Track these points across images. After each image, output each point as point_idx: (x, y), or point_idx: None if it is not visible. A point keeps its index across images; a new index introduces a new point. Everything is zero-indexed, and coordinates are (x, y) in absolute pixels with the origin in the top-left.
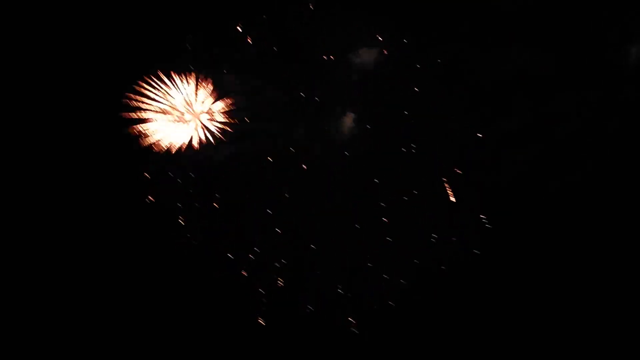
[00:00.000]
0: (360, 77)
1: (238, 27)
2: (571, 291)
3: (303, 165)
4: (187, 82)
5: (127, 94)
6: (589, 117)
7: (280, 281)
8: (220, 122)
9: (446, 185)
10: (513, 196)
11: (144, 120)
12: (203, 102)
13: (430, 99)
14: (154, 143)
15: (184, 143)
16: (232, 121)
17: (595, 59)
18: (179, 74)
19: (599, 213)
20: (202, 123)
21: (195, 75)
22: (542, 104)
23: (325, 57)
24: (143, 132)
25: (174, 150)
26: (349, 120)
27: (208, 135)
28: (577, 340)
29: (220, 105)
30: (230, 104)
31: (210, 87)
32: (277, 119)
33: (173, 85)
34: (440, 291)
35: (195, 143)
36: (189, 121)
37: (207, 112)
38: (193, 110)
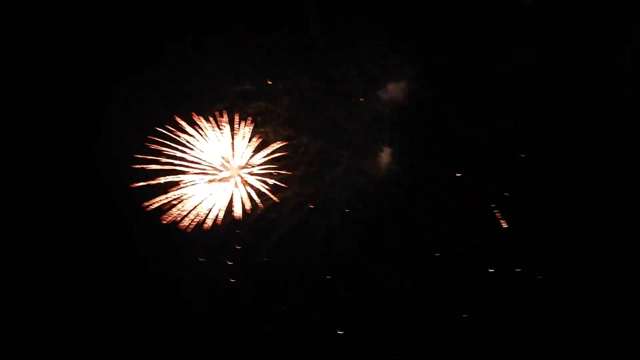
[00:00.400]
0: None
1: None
2: (572, 290)
3: (346, 209)
4: (220, 129)
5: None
6: (589, 117)
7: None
8: (263, 175)
9: (497, 213)
10: (513, 196)
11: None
12: (242, 152)
13: (438, 104)
14: (186, 217)
15: (219, 211)
16: (276, 172)
17: (595, 59)
18: (207, 119)
19: (598, 213)
20: (242, 178)
21: (229, 119)
22: (542, 104)
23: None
24: (170, 203)
25: (210, 222)
26: (384, 155)
27: (252, 193)
28: (576, 339)
29: (261, 156)
30: (274, 153)
31: (248, 133)
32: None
33: (202, 135)
34: (441, 290)
35: (237, 209)
36: (228, 179)
37: (247, 166)
38: (231, 165)
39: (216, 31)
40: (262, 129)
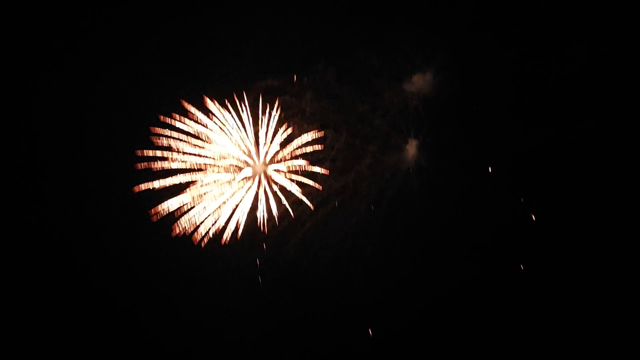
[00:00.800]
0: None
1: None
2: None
3: (371, 206)
4: (239, 117)
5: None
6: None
7: None
8: (290, 172)
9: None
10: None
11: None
12: (268, 147)
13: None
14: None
15: (242, 215)
16: (308, 168)
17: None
18: (223, 106)
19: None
20: (268, 178)
21: (252, 113)
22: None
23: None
24: (181, 210)
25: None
26: (410, 148)
27: (281, 195)
28: (579, 338)
29: (287, 151)
30: (301, 148)
31: (272, 127)
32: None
33: (220, 124)
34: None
35: (262, 211)
36: (251, 178)
37: (273, 161)
38: (255, 161)
39: (237, 23)
40: (286, 124)
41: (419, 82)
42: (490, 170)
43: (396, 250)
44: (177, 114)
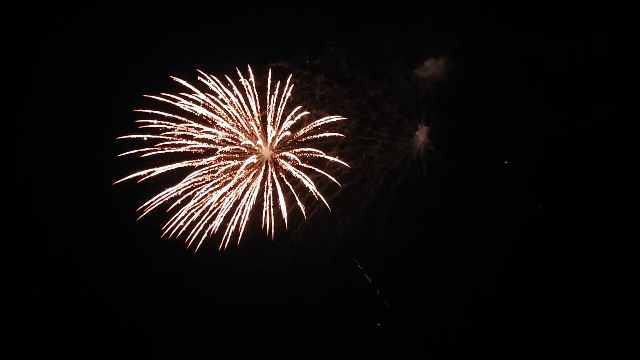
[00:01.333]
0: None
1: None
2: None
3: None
4: (245, 100)
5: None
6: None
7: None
8: (300, 159)
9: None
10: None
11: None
12: (278, 132)
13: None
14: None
15: (247, 203)
16: (313, 154)
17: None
18: (224, 84)
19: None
20: (276, 163)
21: (259, 97)
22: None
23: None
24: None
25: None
26: (421, 134)
27: (290, 185)
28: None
29: (297, 136)
30: (313, 134)
31: (281, 111)
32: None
33: (221, 104)
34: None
35: (267, 215)
36: (257, 166)
37: (282, 148)
38: (262, 146)
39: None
40: (296, 107)
41: (432, 67)
42: (506, 163)
43: (404, 238)
44: (167, 92)
